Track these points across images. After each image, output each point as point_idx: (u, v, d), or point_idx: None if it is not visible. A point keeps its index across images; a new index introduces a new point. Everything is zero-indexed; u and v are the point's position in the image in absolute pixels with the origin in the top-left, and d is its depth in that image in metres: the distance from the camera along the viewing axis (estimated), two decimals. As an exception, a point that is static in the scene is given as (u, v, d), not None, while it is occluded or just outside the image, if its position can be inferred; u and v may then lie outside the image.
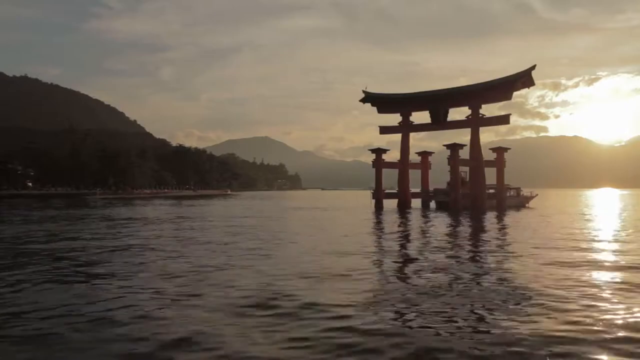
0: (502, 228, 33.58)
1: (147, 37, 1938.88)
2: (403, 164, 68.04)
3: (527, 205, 67.37)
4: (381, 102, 69.09)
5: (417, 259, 18.67)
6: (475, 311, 10.59)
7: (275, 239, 25.14)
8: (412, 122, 67.89)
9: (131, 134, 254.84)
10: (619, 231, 30.06)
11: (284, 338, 8.73)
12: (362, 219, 42.77)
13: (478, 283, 13.71)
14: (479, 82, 62.57)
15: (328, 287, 13.03)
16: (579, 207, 67.11)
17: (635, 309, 10.53)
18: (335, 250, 20.55)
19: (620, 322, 9.62)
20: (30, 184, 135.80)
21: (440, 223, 37.85)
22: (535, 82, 57.97)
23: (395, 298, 11.81)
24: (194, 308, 10.76)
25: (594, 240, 24.47)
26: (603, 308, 10.72)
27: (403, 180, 67.90)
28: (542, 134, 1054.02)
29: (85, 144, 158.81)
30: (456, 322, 9.78)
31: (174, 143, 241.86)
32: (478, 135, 60.87)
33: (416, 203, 67.19)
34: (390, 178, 71.54)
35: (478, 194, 58.88)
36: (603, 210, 58.64)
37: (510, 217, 44.16)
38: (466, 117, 62.06)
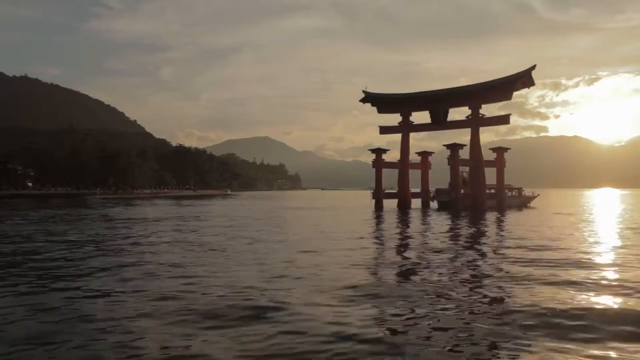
0: (502, 228, 33.47)
1: (147, 37, 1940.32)
2: (403, 164, 67.96)
3: (528, 205, 67.42)
4: (381, 102, 69.02)
5: (417, 259, 18.54)
6: (476, 311, 10.49)
7: (276, 240, 25.03)
8: (412, 122, 67.79)
9: (131, 134, 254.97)
10: (621, 231, 29.95)
11: (275, 342, 8.61)
12: (362, 219, 42.69)
13: (478, 284, 13.61)
14: (479, 82, 62.52)
15: (322, 288, 12.93)
16: (579, 207, 67.00)
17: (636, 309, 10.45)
18: (334, 249, 20.43)
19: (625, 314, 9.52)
20: (30, 184, 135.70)
21: (440, 223, 37.75)
22: (535, 82, 57.88)
23: (395, 298, 11.71)
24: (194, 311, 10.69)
25: (597, 243, 24.33)
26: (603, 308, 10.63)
27: (403, 180, 67.82)
28: (542, 134, 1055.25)
29: (85, 144, 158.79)
30: (456, 322, 9.67)
31: (174, 143, 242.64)
32: (478, 135, 60.78)
33: (416, 203, 67.13)
34: (390, 178, 71.49)
35: (478, 194, 58.82)
36: (604, 210, 58.52)
37: (512, 217, 44.07)
38: (466, 117, 61.98)
